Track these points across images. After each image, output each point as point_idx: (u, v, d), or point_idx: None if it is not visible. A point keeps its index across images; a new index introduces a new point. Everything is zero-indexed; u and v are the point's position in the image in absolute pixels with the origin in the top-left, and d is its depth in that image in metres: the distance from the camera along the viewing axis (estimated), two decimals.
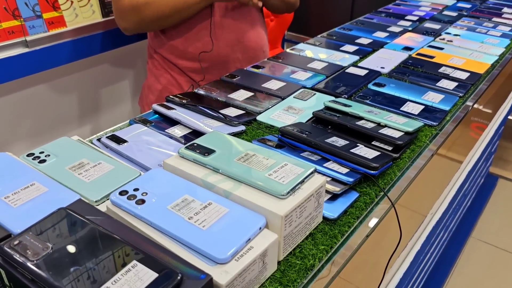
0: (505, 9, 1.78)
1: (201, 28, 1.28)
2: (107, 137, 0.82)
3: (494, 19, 1.64)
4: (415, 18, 1.62)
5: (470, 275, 1.98)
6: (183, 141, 0.84)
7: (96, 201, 0.63)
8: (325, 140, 0.81)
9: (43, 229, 0.50)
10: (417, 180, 0.84)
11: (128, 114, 1.92)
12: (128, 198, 0.58)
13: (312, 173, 0.62)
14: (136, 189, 0.60)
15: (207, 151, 0.66)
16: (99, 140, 0.83)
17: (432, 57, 1.27)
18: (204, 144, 0.68)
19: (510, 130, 2.84)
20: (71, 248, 0.48)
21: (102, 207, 0.60)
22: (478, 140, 1.93)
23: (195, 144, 0.68)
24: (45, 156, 0.71)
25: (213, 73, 1.34)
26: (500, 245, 2.16)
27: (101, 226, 0.51)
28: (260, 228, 0.55)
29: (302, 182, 0.61)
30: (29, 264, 0.45)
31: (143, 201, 0.58)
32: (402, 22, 1.57)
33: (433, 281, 1.91)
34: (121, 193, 0.59)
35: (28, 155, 0.71)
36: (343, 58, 1.25)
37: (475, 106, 1.12)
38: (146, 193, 0.59)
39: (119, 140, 0.81)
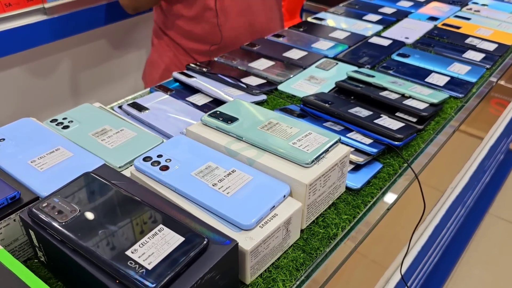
0: None
1: (207, 8, 1.21)
2: (128, 104, 0.82)
3: None
4: None
5: (486, 251, 1.98)
6: (204, 110, 0.83)
7: (119, 167, 0.63)
8: (348, 111, 0.79)
9: (70, 193, 0.51)
10: (439, 154, 0.82)
11: (133, 87, 1.88)
12: (152, 164, 0.58)
13: (336, 142, 0.62)
14: (159, 156, 0.60)
15: (230, 119, 0.66)
16: (120, 107, 0.83)
17: (458, 27, 1.23)
18: (226, 112, 0.68)
19: None
20: (98, 211, 0.48)
21: (126, 173, 0.61)
22: (500, 116, 1.89)
23: (218, 112, 0.67)
24: (68, 122, 0.71)
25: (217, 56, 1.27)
26: None
27: (126, 191, 0.52)
28: (284, 196, 0.55)
29: (327, 151, 0.60)
30: (57, 225, 0.46)
31: (167, 167, 0.58)
32: None
33: (448, 256, 1.91)
34: (145, 159, 0.59)
35: (51, 121, 0.71)
36: (365, 27, 1.22)
37: (502, 79, 1.09)
38: (170, 160, 0.59)
39: (140, 108, 0.81)
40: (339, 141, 0.62)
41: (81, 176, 0.53)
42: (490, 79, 1.01)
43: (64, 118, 0.72)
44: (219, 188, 0.55)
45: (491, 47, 1.12)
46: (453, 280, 1.82)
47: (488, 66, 1.03)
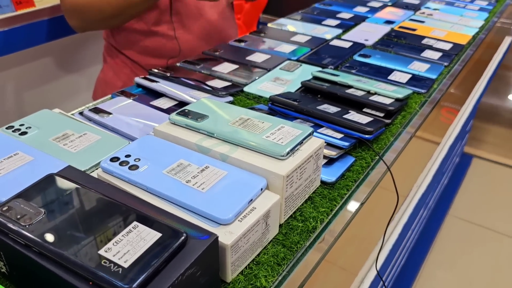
0: None
1: (161, 22, 1.17)
2: (90, 109, 0.78)
3: None
4: None
5: (449, 252, 2.02)
6: (170, 113, 0.80)
7: (85, 171, 0.59)
8: (317, 107, 0.79)
9: (34, 195, 0.47)
10: (401, 157, 0.83)
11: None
12: (120, 164, 0.55)
13: (310, 134, 0.61)
14: (128, 156, 0.57)
15: (200, 116, 0.64)
16: (81, 114, 0.79)
17: (414, 29, 1.26)
18: (195, 110, 0.66)
19: (482, 111, 2.91)
20: (66, 212, 0.45)
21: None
22: (454, 119, 1.96)
23: (186, 110, 0.65)
24: (26, 128, 0.67)
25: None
26: (476, 221, 2.21)
27: (95, 190, 0.48)
28: (261, 189, 0.53)
29: (301, 143, 0.59)
30: (20, 229, 0.42)
31: (136, 167, 0.55)
32: None
33: (414, 258, 1.94)
34: (112, 160, 0.56)
35: (7, 128, 0.67)
36: (325, 31, 1.24)
37: (456, 81, 1.12)
38: (139, 159, 0.56)
39: (103, 112, 0.77)
40: (313, 133, 0.61)
41: (44, 178, 0.50)
42: (448, 76, 1.04)
43: (21, 125, 0.68)
44: (193, 185, 0.52)
45: (447, 46, 1.16)
46: (420, 282, 1.85)
47: (446, 64, 1.06)
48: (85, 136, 0.66)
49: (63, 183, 0.49)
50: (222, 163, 0.57)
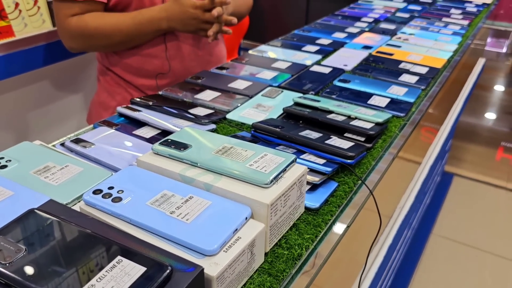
0: (453, 10, 1.86)
1: (156, 45, 1.21)
2: (71, 140, 0.77)
3: (444, 19, 1.71)
4: (370, 20, 1.66)
5: (435, 271, 2.03)
6: (153, 142, 0.80)
7: (67, 204, 0.58)
8: (299, 134, 0.80)
9: (14, 232, 0.46)
10: (384, 178, 0.84)
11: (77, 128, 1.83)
12: (103, 196, 0.55)
13: (292, 162, 0.61)
14: (110, 187, 0.56)
15: (183, 146, 0.64)
16: (62, 145, 0.78)
17: (391, 54, 1.30)
18: (178, 139, 0.66)
19: (460, 130, 2.97)
20: (47, 249, 0.44)
21: (75, 209, 0.57)
22: (434, 139, 1.99)
23: (169, 140, 0.65)
24: (6, 161, 0.66)
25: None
26: (459, 239, 2.23)
27: (77, 225, 0.48)
28: (246, 218, 0.53)
29: (284, 171, 0.59)
30: (1, 267, 0.41)
31: (119, 199, 0.54)
32: (358, 24, 1.61)
33: (400, 279, 1.94)
34: (94, 192, 0.55)
35: None
36: (305, 57, 1.26)
37: (434, 103, 1.15)
38: (122, 191, 0.56)
39: (84, 143, 0.77)
40: (295, 160, 0.62)
41: (25, 213, 0.49)
42: (426, 99, 1.06)
43: (1, 158, 0.67)
44: (177, 216, 0.52)
45: (423, 70, 1.19)
46: None
47: (423, 87, 1.09)
48: (67, 168, 0.65)
49: (45, 218, 0.49)
50: (206, 192, 0.57)
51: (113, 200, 0.54)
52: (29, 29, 1.47)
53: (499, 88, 3.91)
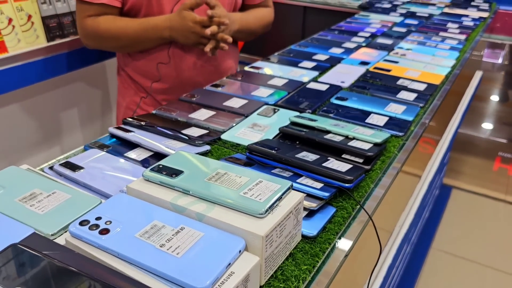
0: (450, 25, 1.85)
1: (161, 51, 1.28)
2: (60, 164, 0.75)
3: (441, 33, 1.70)
4: (367, 35, 1.65)
5: (434, 286, 2.00)
6: (145, 165, 0.78)
7: (52, 235, 0.56)
8: (296, 156, 0.78)
9: None
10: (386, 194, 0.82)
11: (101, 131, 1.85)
12: (90, 228, 0.52)
13: (288, 189, 0.59)
14: (98, 218, 0.54)
15: (174, 172, 0.61)
16: (51, 168, 0.76)
17: (389, 70, 1.28)
18: (170, 165, 0.63)
19: (458, 142, 2.96)
20: (29, 287, 0.42)
21: (61, 240, 0.54)
22: (433, 152, 1.97)
23: (161, 166, 0.63)
24: None
25: (175, 94, 1.32)
26: (459, 253, 2.21)
27: (61, 261, 0.45)
28: (240, 251, 0.50)
29: (280, 199, 0.57)
30: None
31: (107, 231, 0.52)
32: (355, 39, 1.60)
33: None
34: (81, 223, 0.53)
35: None
36: (302, 74, 1.24)
37: (434, 117, 1.13)
38: (110, 222, 0.53)
39: (74, 167, 0.74)
40: (291, 187, 0.60)
41: (6, 249, 0.46)
42: (425, 116, 1.05)
43: None
44: (167, 249, 0.50)
45: (421, 87, 1.17)
46: None
47: (421, 105, 1.07)
48: (54, 195, 0.63)
49: (27, 254, 0.46)
50: (199, 223, 0.54)
51: (100, 232, 0.52)
52: (23, 45, 1.46)
53: (495, 98, 3.92)
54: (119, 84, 1.43)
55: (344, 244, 0.65)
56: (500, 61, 3.57)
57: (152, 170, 0.62)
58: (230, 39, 1.21)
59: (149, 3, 1.23)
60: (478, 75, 2.45)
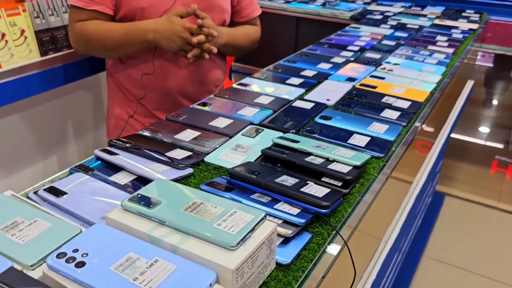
0: (439, 37, 1.87)
1: (147, 59, 1.31)
2: (44, 189, 0.77)
3: (430, 47, 1.72)
4: (356, 48, 1.67)
5: None
6: (128, 189, 0.80)
7: (31, 265, 0.58)
8: (275, 180, 0.79)
9: None
10: (369, 211, 0.84)
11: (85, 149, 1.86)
12: (67, 261, 0.54)
13: (262, 219, 0.61)
14: (75, 250, 0.56)
15: (152, 202, 0.63)
16: (36, 193, 0.78)
17: (374, 87, 1.30)
18: (148, 194, 0.65)
19: (453, 148, 2.98)
20: None
21: (39, 272, 0.56)
22: (423, 162, 1.99)
23: (139, 195, 0.65)
24: None
25: (164, 104, 1.36)
26: (451, 261, 2.22)
27: None
28: (210, 285, 0.52)
29: (253, 230, 0.59)
30: None
31: (83, 264, 0.54)
32: (344, 53, 1.62)
33: None
34: (58, 256, 0.55)
35: None
36: (289, 91, 1.26)
37: (419, 130, 1.15)
38: (87, 254, 0.55)
39: (57, 192, 0.76)
40: (265, 217, 0.62)
41: None
42: (409, 133, 1.07)
43: None
44: (140, 283, 0.51)
45: (405, 104, 1.19)
46: None
47: (404, 124, 1.09)
48: (36, 223, 0.65)
49: None
50: (173, 255, 0.56)
51: (76, 265, 0.53)
52: (16, 59, 1.47)
53: (489, 102, 3.94)
54: (108, 90, 1.46)
55: (318, 271, 0.67)
56: (492, 64, 3.60)
57: (130, 200, 0.64)
58: (215, 50, 1.23)
59: (142, 13, 1.25)
60: (469, 84, 2.47)
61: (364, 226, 0.82)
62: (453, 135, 3.05)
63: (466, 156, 3.23)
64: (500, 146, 3.41)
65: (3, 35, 1.44)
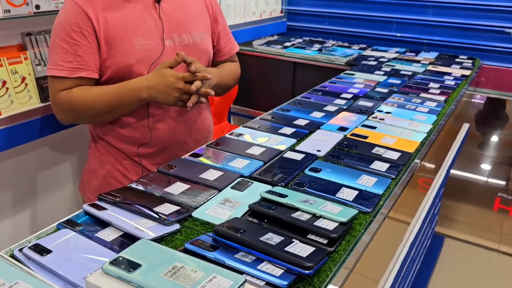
0: (431, 84, 1.90)
1: (141, 115, 1.29)
2: (29, 247, 0.77)
3: (422, 94, 1.75)
4: (349, 96, 1.70)
5: None
6: (114, 246, 0.80)
7: None
8: (260, 238, 0.80)
9: None
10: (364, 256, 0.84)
11: (69, 199, 1.85)
12: None
13: (241, 285, 0.61)
14: None
15: (133, 266, 0.64)
16: (21, 250, 0.78)
17: (365, 137, 1.32)
18: (130, 257, 0.66)
19: (451, 189, 2.97)
20: None
21: None
22: (419, 206, 1.98)
23: (121, 258, 0.65)
24: None
25: (161, 156, 1.34)
26: None
27: None
28: None
29: None
30: None
31: None
32: (337, 101, 1.64)
33: None
34: None
35: None
36: (280, 141, 1.28)
37: (408, 181, 1.16)
38: None
39: (42, 251, 0.76)
40: (244, 283, 0.62)
41: None
42: (397, 187, 1.07)
43: None
44: None
45: (395, 155, 1.20)
46: None
47: (393, 176, 1.09)
48: (16, 286, 0.65)
49: None
50: None
51: None
52: (15, 106, 1.50)
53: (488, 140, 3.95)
54: (95, 153, 1.38)
55: None
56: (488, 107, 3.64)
57: (111, 263, 0.64)
58: (212, 93, 1.24)
59: (130, 70, 1.22)
60: (465, 127, 2.49)
61: (359, 270, 0.81)
62: (453, 175, 3.05)
63: (466, 197, 3.22)
64: (502, 183, 3.40)
65: (4, 82, 1.47)
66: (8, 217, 1.65)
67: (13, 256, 0.77)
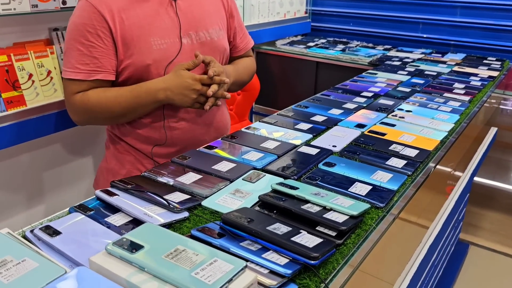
0: (456, 84, 1.85)
1: (157, 116, 1.28)
2: (40, 228, 0.79)
3: (446, 94, 1.71)
4: (370, 95, 1.67)
5: None
6: (122, 231, 0.81)
7: None
8: (267, 228, 0.79)
9: None
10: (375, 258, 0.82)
11: (83, 196, 1.89)
12: None
13: (242, 269, 0.60)
14: None
15: (135, 247, 0.64)
16: (32, 231, 0.80)
17: (383, 134, 1.29)
18: (134, 239, 0.66)
19: (478, 195, 2.88)
20: None
21: None
22: (440, 209, 1.93)
23: (124, 239, 0.66)
24: None
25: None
26: None
27: None
28: None
29: (230, 280, 0.58)
30: None
31: None
32: (357, 99, 1.62)
33: None
34: None
35: None
36: (296, 136, 1.27)
37: (426, 179, 1.13)
38: None
39: (52, 232, 0.78)
40: (245, 268, 0.61)
41: None
42: (415, 181, 1.04)
43: None
44: None
45: (413, 153, 1.17)
46: None
47: (409, 173, 1.07)
48: (23, 263, 0.66)
49: None
50: None
51: None
52: (41, 98, 1.54)
53: None
54: (114, 152, 1.37)
55: None
56: None
57: (115, 243, 0.65)
58: (229, 95, 1.23)
59: (148, 70, 1.21)
60: (492, 131, 2.42)
61: (374, 272, 0.79)
62: (479, 182, 2.97)
63: (493, 204, 3.12)
64: None
65: (30, 75, 1.51)
66: (24, 210, 1.70)
67: (24, 237, 0.78)
